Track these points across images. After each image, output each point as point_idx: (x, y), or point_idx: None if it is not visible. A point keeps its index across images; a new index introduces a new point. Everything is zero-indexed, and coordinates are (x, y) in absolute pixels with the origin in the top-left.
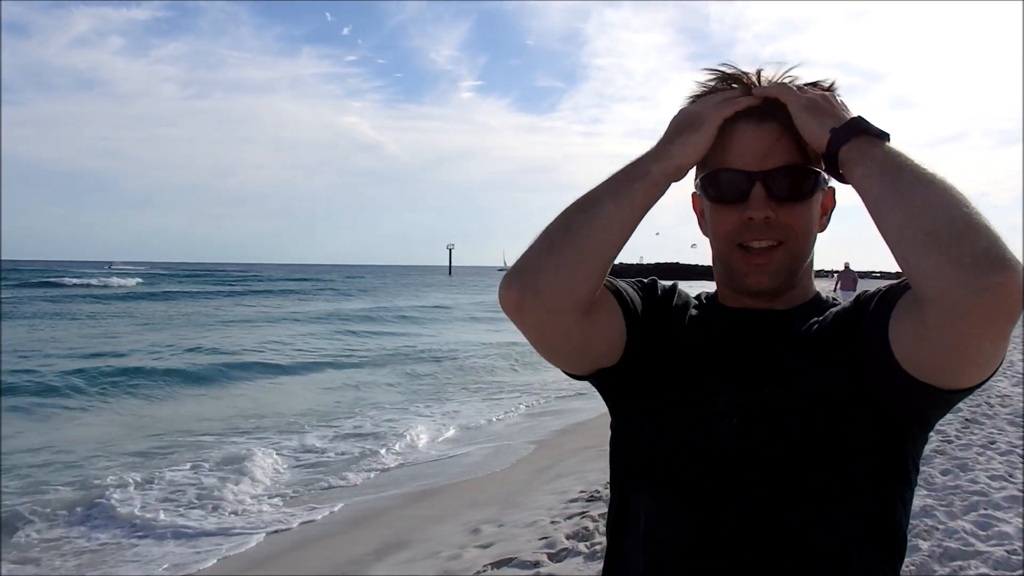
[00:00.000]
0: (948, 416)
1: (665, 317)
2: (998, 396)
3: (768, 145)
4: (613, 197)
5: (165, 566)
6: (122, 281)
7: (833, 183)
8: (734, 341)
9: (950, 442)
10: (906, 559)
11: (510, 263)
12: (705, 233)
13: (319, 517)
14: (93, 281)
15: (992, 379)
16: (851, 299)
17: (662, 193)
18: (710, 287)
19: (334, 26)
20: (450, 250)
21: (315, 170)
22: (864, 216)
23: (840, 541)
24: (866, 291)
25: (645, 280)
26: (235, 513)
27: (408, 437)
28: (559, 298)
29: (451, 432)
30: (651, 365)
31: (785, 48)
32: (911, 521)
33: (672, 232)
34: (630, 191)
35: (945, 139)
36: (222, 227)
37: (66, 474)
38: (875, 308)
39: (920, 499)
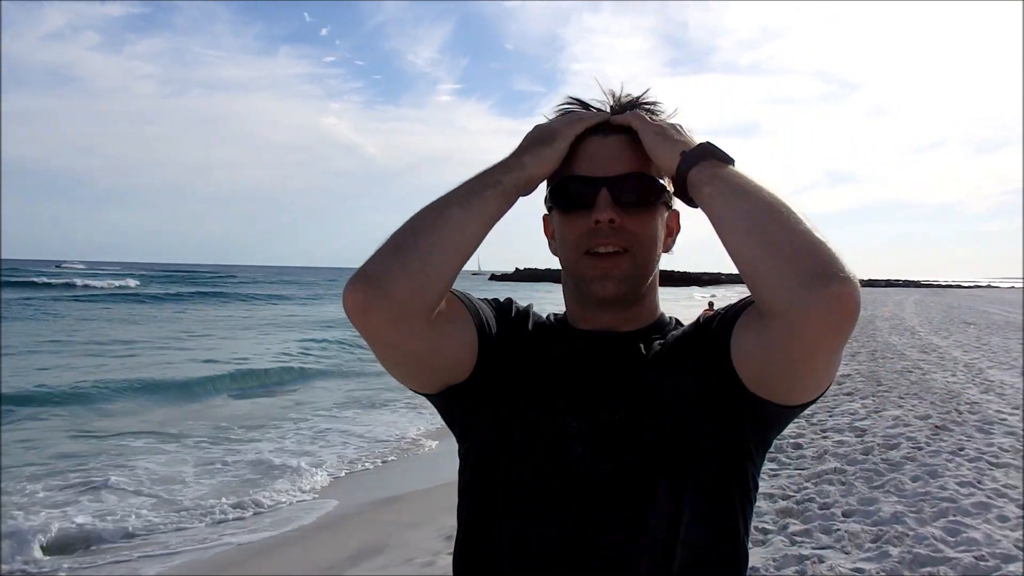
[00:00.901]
0: (918, 423)
1: (518, 338)
2: (967, 403)
3: (614, 154)
4: (463, 203)
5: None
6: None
7: (679, 206)
8: (584, 364)
9: (920, 448)
10: (878, 565)
11: (484, 268)
12: (555, 252)
13: (295, 525)
14: (36, 280)
15: (961, 386)
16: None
17: (511, 204)
18: (688, 293)
19: (313, 26)
20: None
21: (294, 171)
22: (833, 223)
23: (692, 557)
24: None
25: (501, 299)
26: (201, 515)
27: (377, 439)
28: (406, 300)
29: (422, 434)
30: (503, 386)
31: (763, 55)
32: (882, 527)
33: None
34: (480, 199)
35: (922, 147)
36: (199, 227)
37: None
38: (720, 321)
39: (891, 505)
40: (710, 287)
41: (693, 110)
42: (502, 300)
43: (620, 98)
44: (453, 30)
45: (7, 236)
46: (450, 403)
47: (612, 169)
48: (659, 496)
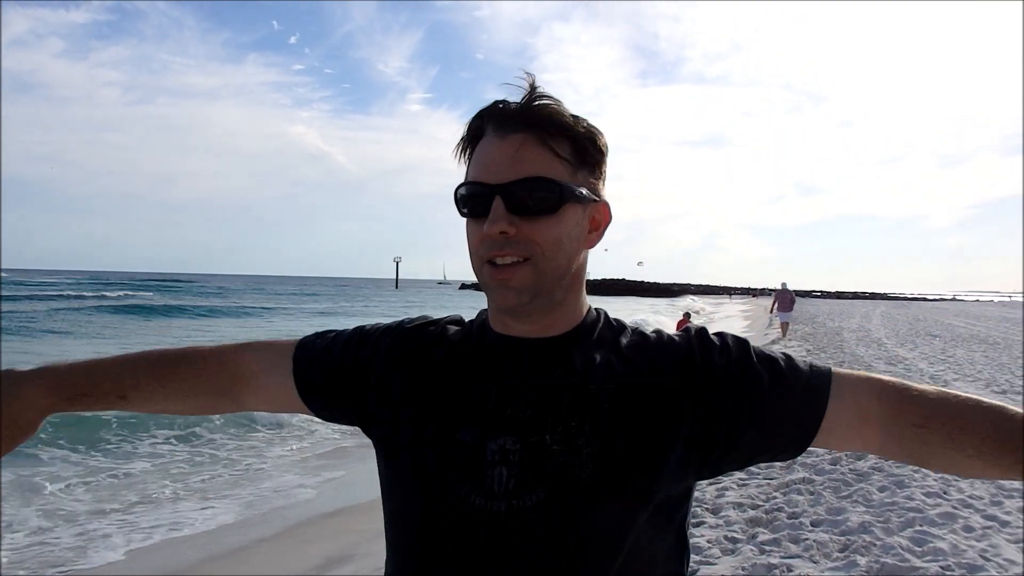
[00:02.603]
0: None
1: (400, 355)
2: None
3: (510, 157)
4: None
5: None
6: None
7: (608, 197)
8: (505, 377)
9: (886, 459)
10: (846, 574)
11: (450, 277)
12: None
13: (266, 531)
14: None
15: None
16: (672, 343)
17: None
18: (656, 303)
19: (281, 34)
20: (397, 263)
21: (262, 179)
22: (801, 235)
23: None
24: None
25: (389, 323)
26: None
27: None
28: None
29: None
30: (403, 408)
31: (731, 67)
32: (850, 536)
33: (619, 250)
34: None
35: (887, 160)
36: (165, 236)
37: None
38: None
39: (858, 515)
40: (678, 297)
41: (663, 121)
42: (387, 323)
43: (535, 89)
44: (423, 39)
45: None
46: (363, 428)
47: (507, 175)
48: (591, 541)
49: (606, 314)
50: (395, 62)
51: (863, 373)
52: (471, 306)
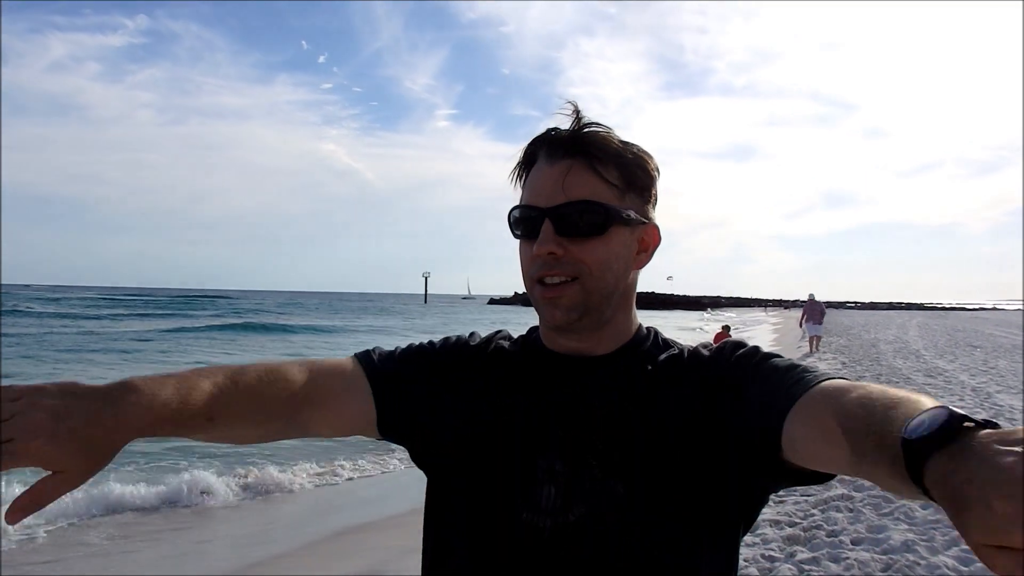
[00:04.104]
0: None
1: (462, 375)
2: None
3: (558, 182)
4: None
5: None
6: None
7: (657, 219)
8: (553, 393)
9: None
10: None
11: (474, 291)
12: None
13: (290, 546)
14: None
15: (969, 411)
16: (709, 360)
17: None
18: (685, 317)
19: (310, 54)
20: (426, 278)
21: (292, 197)
22: (832, 245)
23: None
24: (722, 357)
25: (442, 340)
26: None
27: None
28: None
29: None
30: (454, 427)
31: (758, 78)
32: (892, 556)
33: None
34: None
35: (919, 168)
36: (197, 252)
37: None
38: (769, 407)
39: (900, 533)
40: (713, 311)
41: (690, 133)
42: (441, 341)
43: (580, 118)
44: (449, 56)
45: (26, 262)
46: (412, 452)
47: (555, 198)
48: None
49: (656, 332)
50: (422, 79)
51: (849, 383)
52: (498, 320)
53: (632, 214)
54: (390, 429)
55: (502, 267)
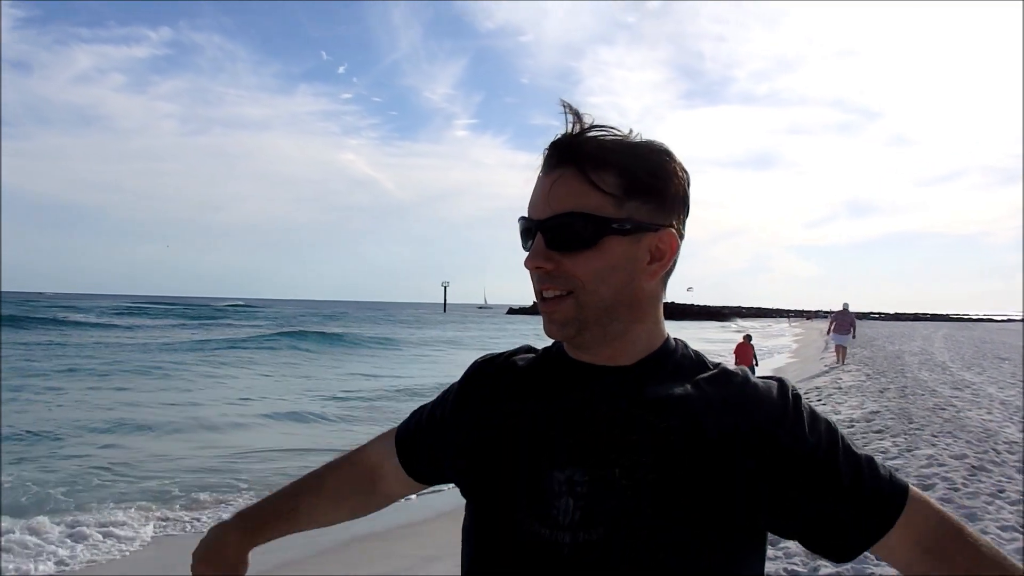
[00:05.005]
0: (953, 463)
1: (471, 388)
2: (1005, 443)
3: (548, 193)
4: None
5: None
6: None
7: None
8: (571, 404)
9: (956, 490)
10: None
11: (490, 301)
12: None
13: (310, 551)
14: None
15: (998, 424)
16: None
17: None
18: (704, 328)
19: (330, 64)
20: (445, 288)
21: (311, 205)
22: (854, 255)
23: None
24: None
25: (466, 372)
26: None
27: None
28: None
29: None
30: (461, 437)
31: (780, 85)
32: None
33: None
34: None
35: (944, 177)
36: (215, 261)
37: None
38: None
39: None
40: (732, 321)
41: (710, 142)
42: (465, 373)
43: (581, 122)
44: (468, 66)
45: (28, 269)
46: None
47: (545, 210)
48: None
49: (685, 345)
50: (441, 89)
51: (931, 500)
52: (519, 330)
53: (631, 223)
54: (421, 476)
55: (520, 277)
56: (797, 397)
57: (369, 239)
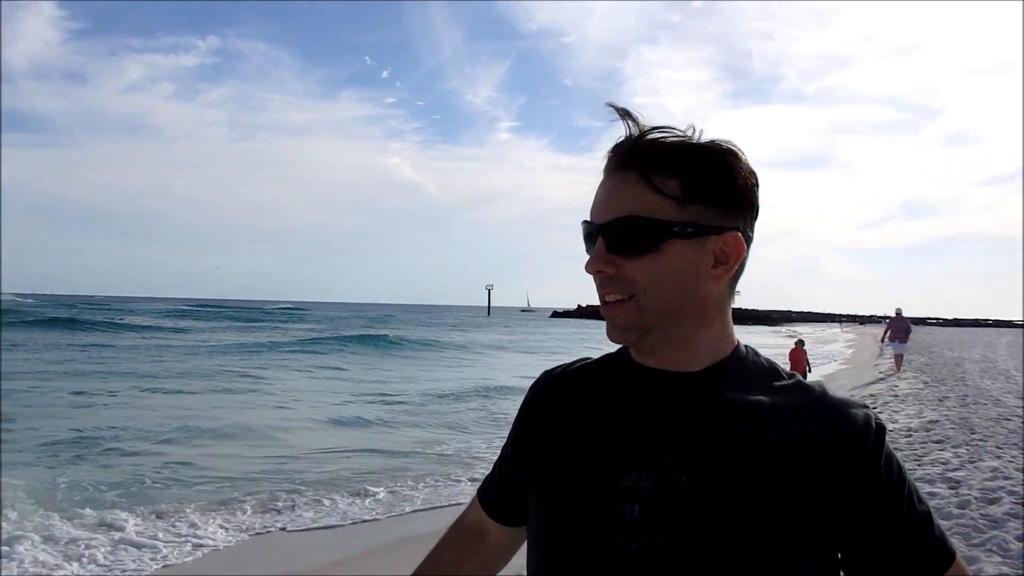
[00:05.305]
0: (1020, 476)
1: (533, 401)
2: None
3: (609, 196)
4: None
5: None
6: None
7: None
8: (637, 409)
9: None
10: None
11: (533, 304)
12: None
13: (347, 552)
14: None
15: None
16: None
17: None
18: (755, 332)
19: (373, 69)
20: (489, 291)
21: (354, 209)
22: (910, 258)
23: None
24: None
25: (521, 411)
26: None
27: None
28: None
29: None
30: (545, 456)
31: (831, 83)
32: None
33: None
34: None
35: (1006, 177)
36: (260, 265)
37: None
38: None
39: (994, 566)
40: (782, 326)
41: (758, 142)
42: (527, 395)
43: (640, 125)
44: (510, 68)
45: (108, 275)
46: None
47: (605, 214)
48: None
49: (756, 353)
50: (484, 92)
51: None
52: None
53: (693, 226)
54: (513, 520)
55: (563, 279)
56: (881, 428)
57: (413, 242)
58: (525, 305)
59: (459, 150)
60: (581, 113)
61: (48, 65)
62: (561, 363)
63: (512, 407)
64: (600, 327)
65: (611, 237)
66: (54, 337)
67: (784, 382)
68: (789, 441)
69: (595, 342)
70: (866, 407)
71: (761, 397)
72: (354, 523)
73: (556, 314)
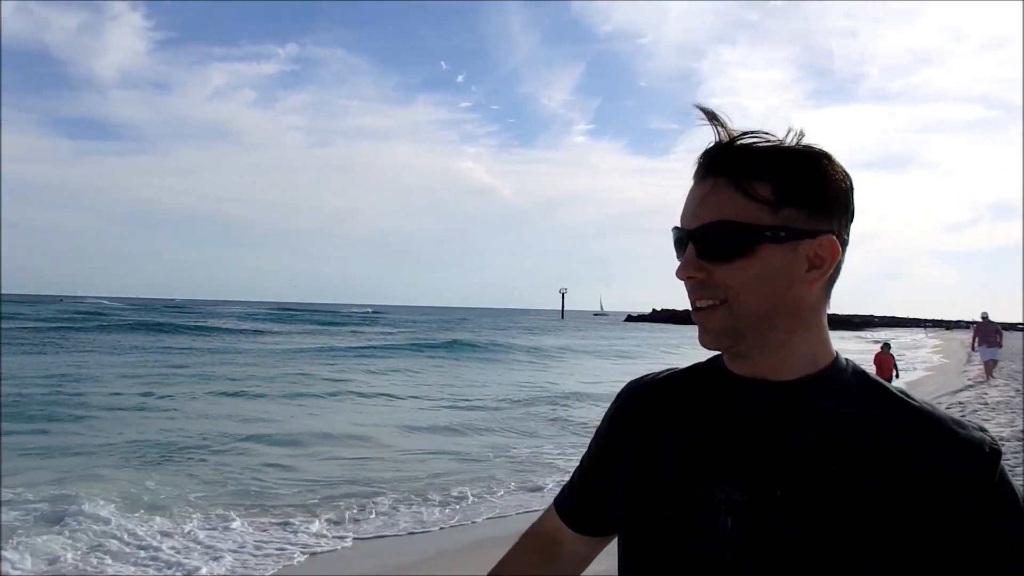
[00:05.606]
0: None
1: (617, 412)
2: None
3: (700, 201)
4: None
5: None
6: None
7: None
8: (730, 418)
9: None
10: None
11: (606, 308)
12: None
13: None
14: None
15: None
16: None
17: None
18: (836, 339)
19: (448, 74)
20: (563, 294)
21: (430, 213)
22: (999, 260)
23: None
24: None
25: (608, 416)
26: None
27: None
28: None
29: None
30: (635, 465)
31: (916, 81)
32: None
33: None
34: None
35: None
36: (338, 269)
37: None
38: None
39: None
40: (864, 331)
41: (840, 142)
42: (614, 405)
43: (730, 130)
44: (585, 71)
45: (192, 278)
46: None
47: (696, 220)
48: None
49: (855, 365)
50: (558, 95)
51: None
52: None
53: (786, 230)
54: (591, 529)
55: (637, 283)
56: (996, 453)
57: (487, 246)
58: (598, 309)
59: (533, 153)
60: (656, 115)
61: (135, 75)
62: (649, 372)
63: (584, 413)
64: (675, 331)
65: (701, 243)
66: (139, 339)
67: (888, 395)
68: (883, 454)
69: (671, 346)
70: (984, 429)
71: (858, 409)
72: (425, 531)
73: (631, 318)
